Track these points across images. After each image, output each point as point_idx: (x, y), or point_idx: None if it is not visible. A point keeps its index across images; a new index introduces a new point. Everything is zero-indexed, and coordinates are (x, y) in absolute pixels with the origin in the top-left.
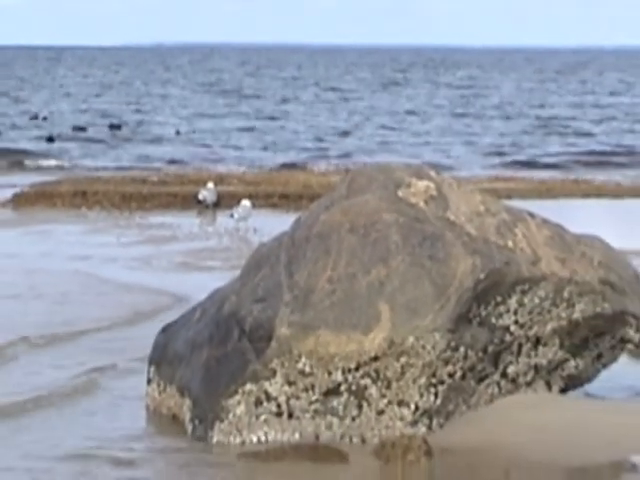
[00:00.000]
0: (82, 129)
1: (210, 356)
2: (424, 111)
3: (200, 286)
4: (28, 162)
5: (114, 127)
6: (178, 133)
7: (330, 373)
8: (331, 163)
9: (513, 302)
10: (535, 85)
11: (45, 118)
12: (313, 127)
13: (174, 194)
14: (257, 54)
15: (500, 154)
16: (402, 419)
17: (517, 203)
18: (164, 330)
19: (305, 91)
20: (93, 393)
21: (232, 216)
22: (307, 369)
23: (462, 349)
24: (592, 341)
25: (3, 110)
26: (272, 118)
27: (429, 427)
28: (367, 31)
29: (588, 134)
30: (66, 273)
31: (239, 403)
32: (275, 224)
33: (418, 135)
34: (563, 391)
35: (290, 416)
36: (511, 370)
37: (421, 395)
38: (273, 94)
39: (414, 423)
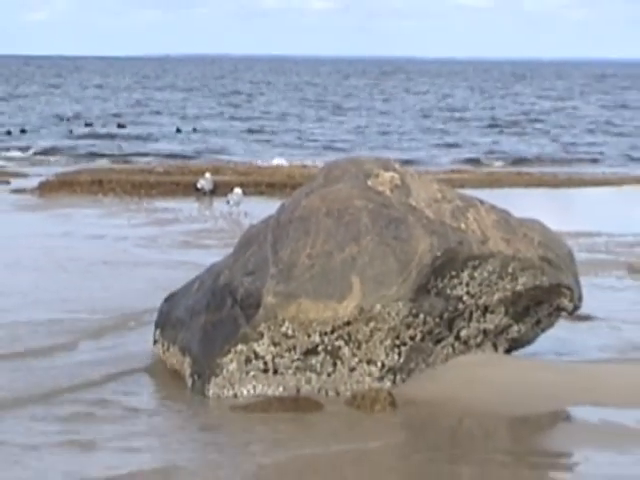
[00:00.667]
0: (89, 125)
1: (207, 321)
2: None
3: (199, 261)
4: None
5: (120, 126)
6: (179, 131)
7: (309, 336)
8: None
9: (465, 276)
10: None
11: (68, 119)
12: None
13: (177, 183)
14: (250, 63)
15: (457, 150)
16: (370, 375)
17: (469, 191)
18: (167, 299)
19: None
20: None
21: (227, 202)
22: (290, 332)
23: (422, 316)
24: (532, 309)
25: (41, 109)
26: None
27: (393, 382)
28: (343, 44)
29: (533, 133)
30: (85, 249)
31: (231, 361)
32: (263, 209)
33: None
34: (508, 352)
35: (275, 372)
36: (463, 334)
37: (387, 355)
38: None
39: (381, 378)
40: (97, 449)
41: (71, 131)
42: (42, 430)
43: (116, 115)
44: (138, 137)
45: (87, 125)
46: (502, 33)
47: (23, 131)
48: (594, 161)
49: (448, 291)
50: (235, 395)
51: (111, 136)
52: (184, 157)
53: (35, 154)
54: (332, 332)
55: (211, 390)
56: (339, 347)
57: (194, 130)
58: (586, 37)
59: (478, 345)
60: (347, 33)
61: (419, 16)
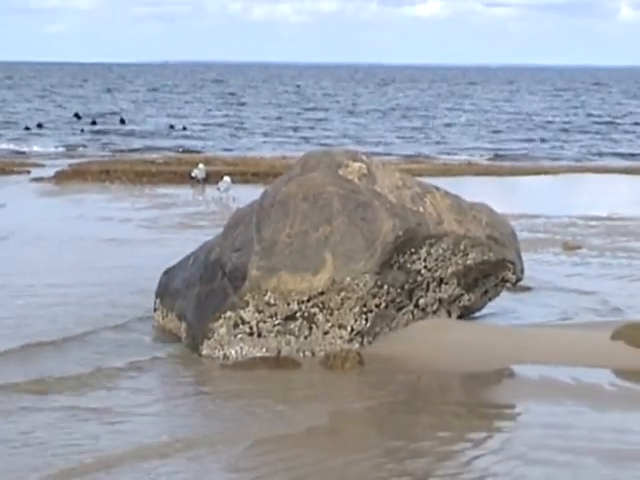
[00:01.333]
0: (94, 123)
1: (200, 291)
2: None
3: (193, 239)
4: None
5: (122, 122)
6: (172, 127)
7: (289, 304)
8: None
9: (423, 252)
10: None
11: (80, 117)
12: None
13: (174, 172)
14: (240, 69)
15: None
16: (341, 338)
17: (426, 179)
18: (166, 272)
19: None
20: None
21: (218, 189)
22: (272, 301)
23: (385, 287)
24: (481, 281)
25: (51, 109)
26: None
27: (361, 344)
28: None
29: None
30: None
31: (221, 326)
32: (249, 194)
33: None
34: (460, 317)
35: (259, 335)
36: (421, 302)
37: (355, 320)
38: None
39: (350, 341)
40: (118, 388)
41: (82, 130)
42: None
43: (115, 113)
44: (138, 133)
45: (93, 123)
46: (454, 42)
47: (40, 125)
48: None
49: (408, 265)
50: (225, 355)
51: (115, 132)
52: (182, 149)
53: (54, 147)
54: (308, 301)
55: (204, 351)
56: (314, 314)
57: (183, 128)
58: (527, 46)
59: (434, 312)
60: (323, 43)
61: (386, 27)
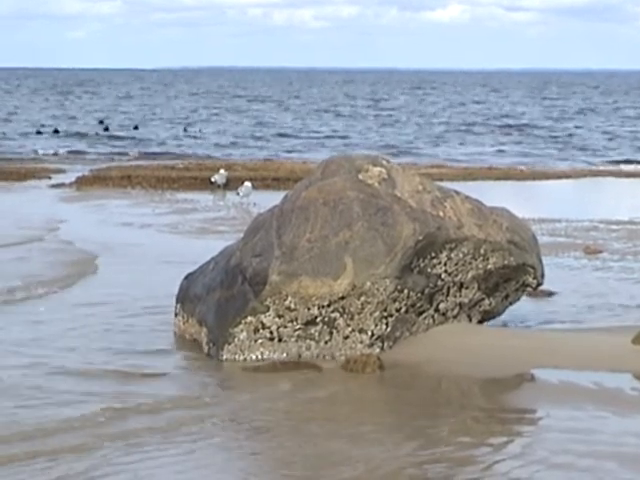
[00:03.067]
0: (106, 129)
1: (221, 296)
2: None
3: (214, 244)
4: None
5: (135, 128)
6: (185, 130)
7: (309, 308)
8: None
9: (443, 256)
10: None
11: (102, 122)
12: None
13: (195, 177)
14: (251, 74)
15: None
16: (362, 342)
17: (446, 184)
18: (186, 277)
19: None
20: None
21: (238, 194)
22: (292, 305)
23: (406, 291)
24: (501, 285)
25: (77, 114)
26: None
27: (382, 348)
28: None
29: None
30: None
31: (242, 331)
32: (269, 200)
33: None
34: (480, 322)
35: (280, 340)
36: (442, 306)
37: (376, 325)
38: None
39: (371, 345)
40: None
41: (97, 133)
42: None
43: (129, 119)
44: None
45: (106, 129)
46: (474, 47)
47: (56, 131)
48: None
49: (429, 270)
50: (245, 360)
51: (131, 138)
52: (199, 155)
53: (69, 153)
54: (329, 305)
55: (225, 356)
56: (335, 318)
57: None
58: (547, 50)
59: (455, 316)
60: (341, 48)
61: (403, 33)
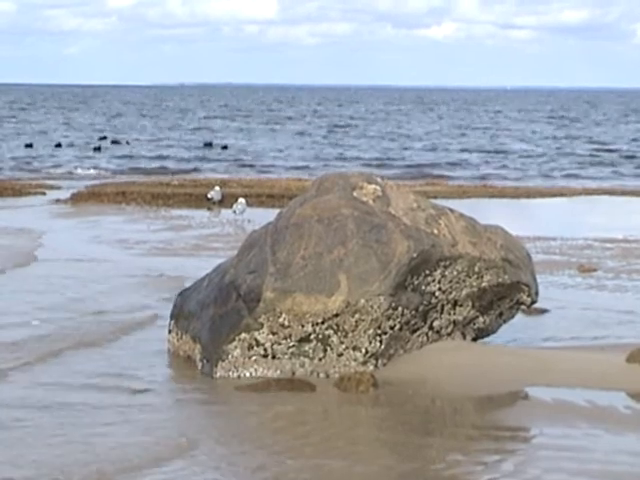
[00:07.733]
0: (104, 138)
1: (215, 313)
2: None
3: (208, 261)
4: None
5: (127, 143)
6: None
7: (303, 325)
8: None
9: (437, 274)
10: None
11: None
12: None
13: (190, 194)
14: (248, 91)
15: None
16: (355, 360)
17: (441, 201)
18: (180, 294)
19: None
20: None
21: (234, 212)
22: (286, 322)
23: (400, 308)
24: (495, 303)
25: (70, 131)
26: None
27: (375, 366)
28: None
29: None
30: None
31: (236, 347)
32: (263, 216)
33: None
34: (474, 340)
35: (273, 357)
36: (436, 324)
37: (370, 342)
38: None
39: (364, 363)
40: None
41: (98, 148)
42: None
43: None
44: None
45: (114, 142)
46: (469, 64)
47: (58, 145)
48: None
49: (423, 287)
50: (239, 377)
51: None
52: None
53: (71, 168)
54: (323, 323)
55: (218, 373)
56: (329, 336)
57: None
58: (542, 68)
59: (449, 334)
60: (334, 65)
61: (396, 50)
